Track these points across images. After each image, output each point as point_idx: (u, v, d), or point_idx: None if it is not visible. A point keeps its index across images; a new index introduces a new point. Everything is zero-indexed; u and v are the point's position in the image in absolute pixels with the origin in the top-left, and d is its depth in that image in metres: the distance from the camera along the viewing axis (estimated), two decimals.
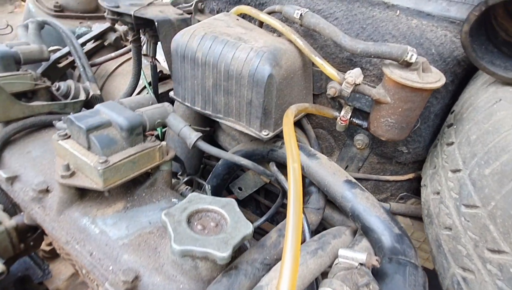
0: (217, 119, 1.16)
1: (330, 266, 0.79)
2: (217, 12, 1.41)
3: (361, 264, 0.72)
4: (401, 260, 0.76)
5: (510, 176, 0.65)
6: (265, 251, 0.79)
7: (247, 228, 0.75)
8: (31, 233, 0.99)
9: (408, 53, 0.84)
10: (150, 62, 1.38)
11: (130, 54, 1.62)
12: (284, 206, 1.39)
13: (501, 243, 0.65)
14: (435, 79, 0.86)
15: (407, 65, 0.86)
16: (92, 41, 1.59)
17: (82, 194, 0.88)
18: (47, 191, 0.91)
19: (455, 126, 0.92)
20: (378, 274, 0.75)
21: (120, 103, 0.94)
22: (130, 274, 0.70)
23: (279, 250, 0.82)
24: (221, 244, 0.69)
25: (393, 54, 0.86)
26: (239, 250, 0.82)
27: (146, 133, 0.95)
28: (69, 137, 0.88)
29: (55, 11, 1.81)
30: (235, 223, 0.76)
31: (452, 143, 0.91)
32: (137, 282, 0.70)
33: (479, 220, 0.71)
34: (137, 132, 0.89)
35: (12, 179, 0.95)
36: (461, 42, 0.81)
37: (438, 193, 0.91)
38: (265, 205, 1.77)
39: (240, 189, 1.53)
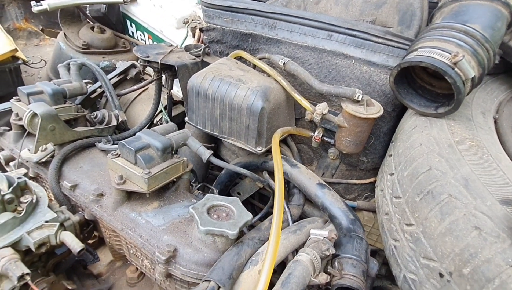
0: (222, 139, 1.52)
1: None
2: (220, 53, 1.79)
3: (324, 237, 1.08)
4: (352, 234, 1.12)
5: (416, 176, 1.03)
6: (261, 232, 1.15)
7: (248, 216, 1.10)
8: (86, 228, 1.33)
9: (356, 94, 1.23)
10: (167, 93, 1.75)
11: (147, 86, 1.98)
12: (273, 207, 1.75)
13: (411, 219, 1.02)
14: (376, 111, 1.24)
15: (356, 101, 1.24)
16: (117, 75, 1.95)
17: (129, 196, 1.23)
18: (101, 195, 1.25)
19: (393, 142, 1.30)
20: (337, 244, 1.11)
21: (154, 131, 1.30)
22: (171, 247, 1.04)
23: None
24: (231, 226, 1.05)
25: (347, 94, 1.24)
26: (242, 233, 1.18)
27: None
28: (119, 156, 1.23)
29: (83, 48, 2.17)
30: (239, 213, 1.11)
31: (391, 155, 1.28)
32: (176, 252, 1.05)
33: (401, 206, 1.08)
34: (168, 151, 1.24)
35: (74, 187, 1.29)
36: (390, 86, 1.20)
37: (382, 191, 1.28)
38: (259, 207, 2.12)
39: (239, 193, 1.88)
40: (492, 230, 0.78)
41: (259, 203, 2.09)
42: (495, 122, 1.18)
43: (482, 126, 1.10)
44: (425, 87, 1.21)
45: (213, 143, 1.86)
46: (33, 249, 1.01)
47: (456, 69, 0.96)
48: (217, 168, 2.07)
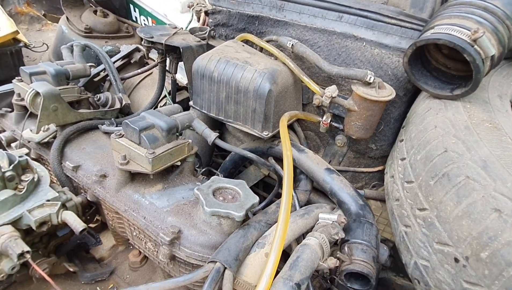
0: (228, 123, 1.49)
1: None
2: (225, 37, 1.75)
3: (334, 221, 1.05)
4: (362, 220, 1.09)
5: (430, 158, 0.99)
6: (268, 216, 1.12)
7: (255, 198, 1.07)
8: (88, 210, 1.30)
9: (368, 76, 1.18)
10: (171, 77, 1.71)
11: (151, 70, 1.95)
12: (278, 195, 1.71)
13: (424, 203, 0.98)
14: (387, 93, 1.20)
15: (367, 84, 1.20)
16: (121, 59, 1.91)
17: (133, 177, 1.20)
18: (104, 176, 1.22)
19: (404, 127, 1.26)
20: (346, 229, 1.08)
21: (158, 111, 1.26)
22: (175, 228, 1.01)
23: (277, 215, 1.14)
24: (238, 207, 1.01)
25: (358, 76, 1.20)
26: (247, 218, 1.14)
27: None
28: (123, 136, 1.20)
29: (85, 32, 2.12)
30: (246, 195, 1.08)
31: (402, 140, 1.24)
32: (180, 234, 1.02)
33: (413, 190, 1.04)
34: (173, 132, 1.21)
35: (76, 168, 1.26)
36: (403, 68, 1.15)
37: (392, 177, 1.24)
38: (263, 197, 2.09)
39: None
40: None
41: (263, 192, 2.06)
42: None
43: (500, 109, 1.06)
44: (440, 68, 1.17)
45: (217, 129, 1.82)
46: (34, 227, 0.98)
47: (475, 46, 0.91)
48: (220, 156, 2.04)
